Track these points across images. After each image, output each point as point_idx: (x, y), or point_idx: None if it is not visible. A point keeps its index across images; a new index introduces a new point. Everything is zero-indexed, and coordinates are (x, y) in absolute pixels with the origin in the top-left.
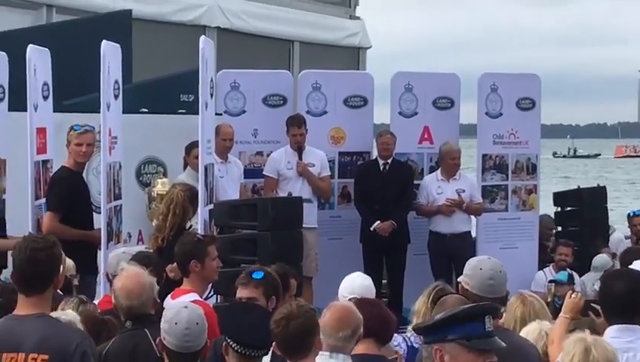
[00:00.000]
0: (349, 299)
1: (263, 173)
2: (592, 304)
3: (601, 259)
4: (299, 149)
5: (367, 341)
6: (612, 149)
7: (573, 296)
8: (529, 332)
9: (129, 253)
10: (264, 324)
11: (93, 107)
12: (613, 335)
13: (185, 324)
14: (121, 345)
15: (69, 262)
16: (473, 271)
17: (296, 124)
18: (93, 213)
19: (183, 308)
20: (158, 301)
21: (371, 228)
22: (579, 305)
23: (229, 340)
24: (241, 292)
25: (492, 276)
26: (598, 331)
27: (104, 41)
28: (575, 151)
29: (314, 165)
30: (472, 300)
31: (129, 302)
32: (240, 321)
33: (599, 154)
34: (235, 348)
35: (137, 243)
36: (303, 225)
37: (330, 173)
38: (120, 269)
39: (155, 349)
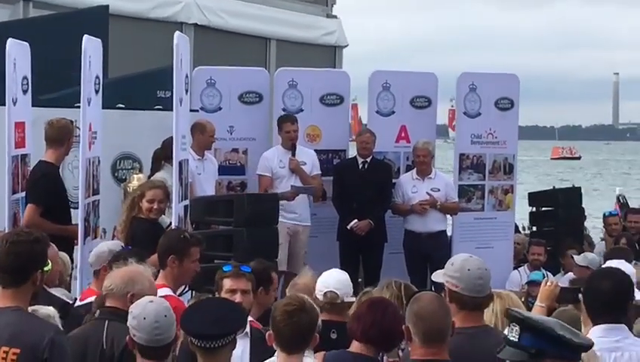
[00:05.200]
0: (325, 293)
1: (257, 172)
2: (574, 290)
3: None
4: (292, 146)
5: (368, 345)
6: (548, 151)
7: (548, 283)
8: None
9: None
10: (222, 315)
11: (70, 102)
12: (600, 334)
13: (154, 318)
14: (77, 334)
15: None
16: (461, 273)
17: (289, 120)
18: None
19: (149, 303)
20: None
21: (348, 227)
22: (554, 293)
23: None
24: (236, 284)
25: (480, 275)
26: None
27: (85, 36)
28: None
29: (305, 163)
30: (461, 301)
31: (124, 287)
32: (195, 313)
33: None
34: (191, 341)
35: (112, 239)
36: (298, 222)
37: (320, 172)
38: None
39: (104, 343)
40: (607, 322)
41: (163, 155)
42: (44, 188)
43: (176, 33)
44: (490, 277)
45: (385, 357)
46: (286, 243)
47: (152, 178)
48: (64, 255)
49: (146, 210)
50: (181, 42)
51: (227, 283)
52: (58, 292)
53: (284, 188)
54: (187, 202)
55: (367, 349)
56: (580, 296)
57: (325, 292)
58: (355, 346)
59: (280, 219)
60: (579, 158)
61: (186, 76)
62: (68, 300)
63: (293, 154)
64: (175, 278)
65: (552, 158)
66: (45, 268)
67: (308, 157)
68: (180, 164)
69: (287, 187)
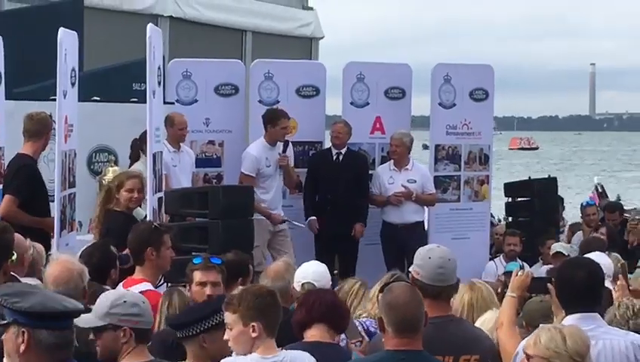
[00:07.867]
0: (302, 284)
1: (242, 170)
2: (546, 279)
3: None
4: (286, 142)
5: (320, 327)
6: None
7: (520, 273)
8: (486, 321)
9: None
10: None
11: (45, 95)
12: (573, 324)
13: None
14: None
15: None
16: (423, 261)
17: (285, 115)
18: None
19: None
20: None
21: (306, 221)
22: (525, 283)
23: None
24: (205, 276)
25: (442, 264)
26: (551, 317)
27: (61, 29)
28: None
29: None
30: (421, 289)
31: (56, 289)
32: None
33: None
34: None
35: (88, 232)
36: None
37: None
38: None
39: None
40: (581, 311)
41: (141, 147)
42: (22, 180)
43: (149, 25)
44: (456, 268)
45: (347, 341)
46: (265, 241)
47: (129, 169)
48: (39, 246)
49: (125, 199)
50: (154, 34)
51: (197, 275)
52: (32, 282)
53: (269, 187)
54: (161, 194)
55: (321, 334)
56: (550, 286)
57: (303, 284)
58: (310, 335)
59: (257, 217)
60: (536, 148)
61: (159, 68)
62: None
63: (285, 151)
64: (155, 269)
65: (510, 149)
66: (13, 258)
67: (289, 151)
68: (154, 156)
69: (271, 186)
